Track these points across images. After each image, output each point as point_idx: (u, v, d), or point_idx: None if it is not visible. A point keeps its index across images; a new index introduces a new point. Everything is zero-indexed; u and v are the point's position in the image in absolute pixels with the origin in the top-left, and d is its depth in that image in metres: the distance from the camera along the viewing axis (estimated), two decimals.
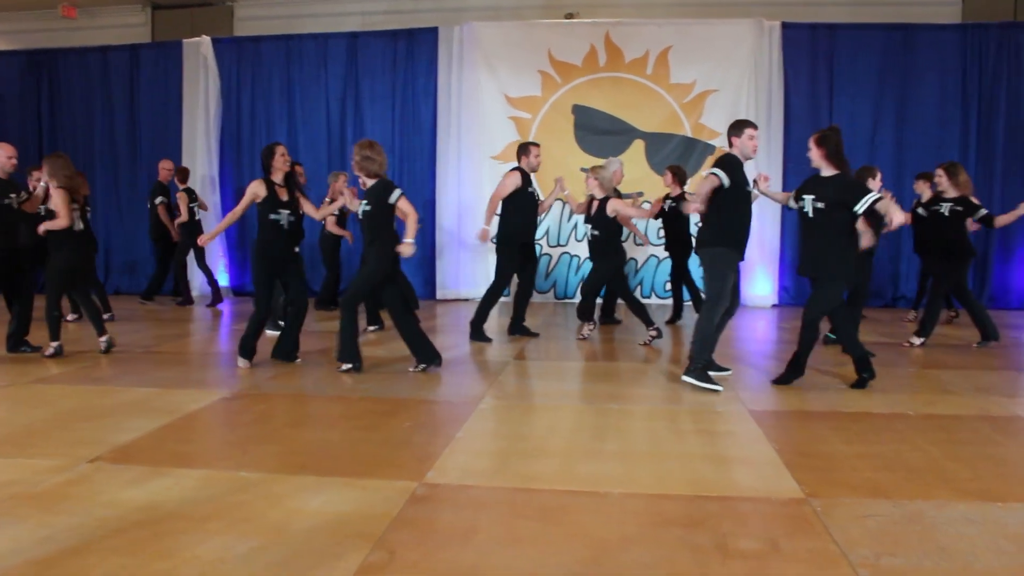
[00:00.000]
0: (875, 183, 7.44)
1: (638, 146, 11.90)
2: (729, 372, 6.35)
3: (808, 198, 5.83)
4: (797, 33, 11.90)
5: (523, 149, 8.15)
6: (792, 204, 6.07)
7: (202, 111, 12.89)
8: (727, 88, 11.90)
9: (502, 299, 9.01)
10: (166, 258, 11.54)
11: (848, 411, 5.27)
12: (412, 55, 12.49)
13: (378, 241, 6.36)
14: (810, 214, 5.83)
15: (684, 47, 11.92)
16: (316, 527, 3.18)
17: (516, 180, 7.92)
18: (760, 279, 11.94)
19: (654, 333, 7.90)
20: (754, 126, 6.08)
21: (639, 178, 11.32)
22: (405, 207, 6.34)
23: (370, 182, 6.38)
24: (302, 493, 3.58)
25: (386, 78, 12.60)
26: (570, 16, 12.41)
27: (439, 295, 12.39)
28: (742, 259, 6.04)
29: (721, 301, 5.93)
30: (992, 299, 11.81)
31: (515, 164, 8.24)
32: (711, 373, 5.99)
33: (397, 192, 6.30)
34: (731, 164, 5.93)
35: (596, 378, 6.52)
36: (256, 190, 6.49)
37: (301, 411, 5.29)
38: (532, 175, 8.16)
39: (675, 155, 11.83)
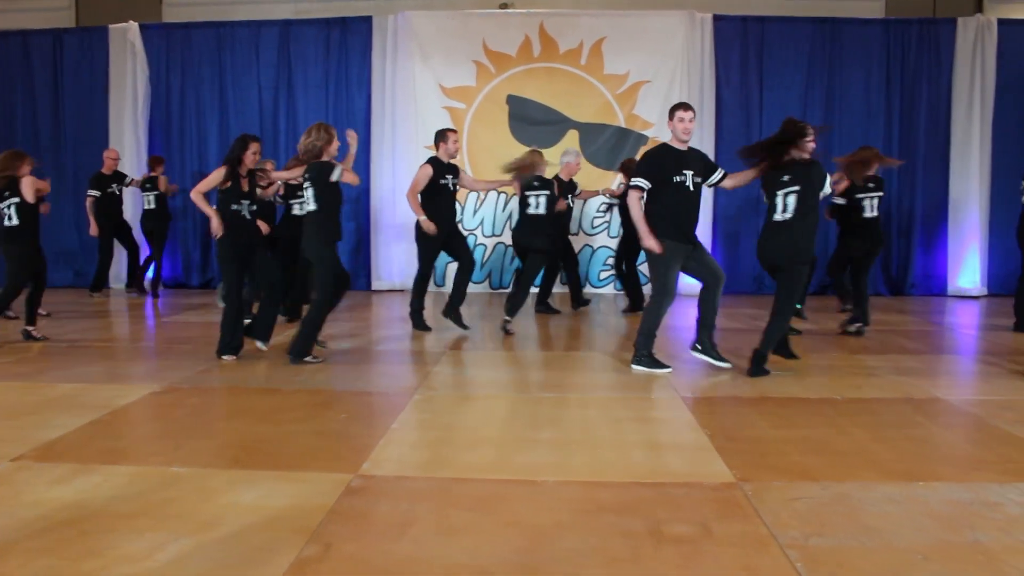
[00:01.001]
0: None
1: (572, 136, 11.96)
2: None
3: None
4: (728, 25, 12.11)
5: (440, 135, 8.04)
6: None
7: (130, 98, 12.53)
8: (660, 79, 12.03)
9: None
10: (110, 247, 11.36)
11: (777, 396, 5.39)
12: (346, 44, 12.35)
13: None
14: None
15: (618, 38, 12.01)
16: (250, 522, 3.14)
17: (428, 172, 7.83)
18: None
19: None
20: (685, 107, 6.13)
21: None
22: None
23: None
24: (235, 487, 3.54)
25: (319, 67, 12.43)
26: (504, 6, 12.40)
27: (374, 286, 12.31)
28: (685, 242, 6.10)
29: (667, 294, 6.05)
30: (914, 285, 12.20)
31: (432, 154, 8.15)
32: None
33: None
34: (649, 160, 6.14)
35: (531, 367, 6.56)
36: (219, 176, 6.43)
37: (234, 404, 5.22)
38: (453, 161, 8.08)
39: (609, 145, 11.94)
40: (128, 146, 12.35)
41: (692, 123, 6.10)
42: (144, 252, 11.64)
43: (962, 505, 3.37)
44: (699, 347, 6.22)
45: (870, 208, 7.86)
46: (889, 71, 12.18)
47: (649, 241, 6.01)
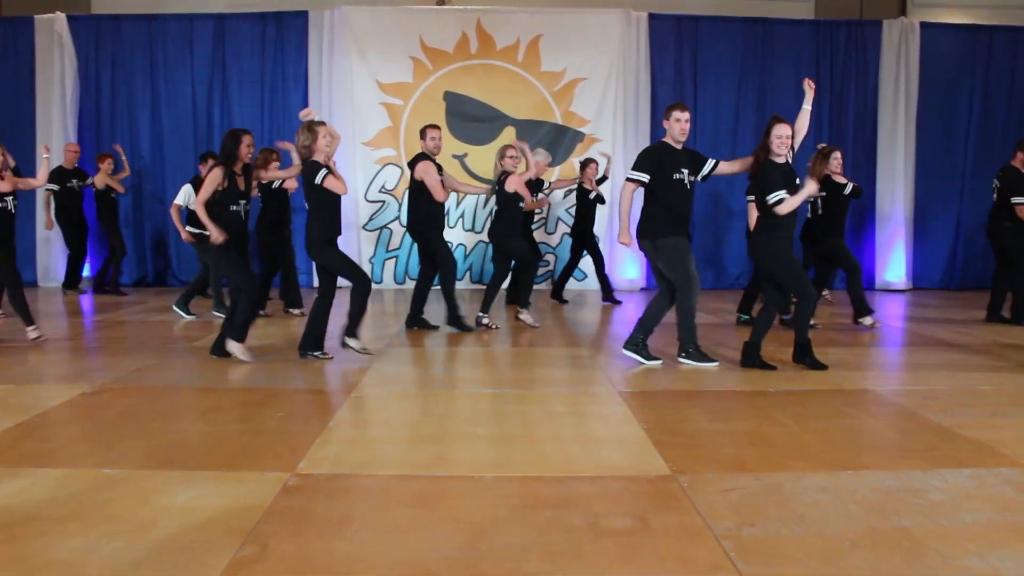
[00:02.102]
0: None
1: (509, 133, 11.99)
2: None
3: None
4: (663, 24, 12.30)
5: (421, 133, 8.04)
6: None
7: (57, 91, 12.19)
8: (596, 76, 12.15)
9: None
10: (83, 243, 11.17)
11: (713, 390, 5.50)
12: (282, 39, 12.20)
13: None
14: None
15: (554, 36, 12.10)
16: (185, 523, 3.10)
17: (431, 168, 7.85)
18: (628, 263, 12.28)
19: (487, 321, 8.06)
20: (681, 107, 6.23)
21: None
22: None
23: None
24: (170, 489, 3.48)
25: (255, 62, 12.26)
26: (442, 3, 12.39)
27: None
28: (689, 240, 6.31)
29: (693, 283, 6.12)
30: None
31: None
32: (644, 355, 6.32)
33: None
34: (647, 156, 6.24)
35: (470, 364, 6.57)
36: (217, 178, 6.21)
37: (169, 404, 5.13)
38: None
39: (546, 142, 12.01)
40: (56, 141, 11.98)
41: (688, 124, 6.20)
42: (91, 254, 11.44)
43: (888, 492, 3.48)
44: (632, 348, 6.34)
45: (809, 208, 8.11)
46: (818, 71, 12.50)
47: (624, 237, 6.22)
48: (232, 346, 6.27)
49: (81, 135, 12.32)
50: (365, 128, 12.07)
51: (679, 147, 6.23)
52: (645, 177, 6.13)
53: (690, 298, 6.14)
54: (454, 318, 7.90)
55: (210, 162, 8.14)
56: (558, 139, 12.14)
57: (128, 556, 2.81)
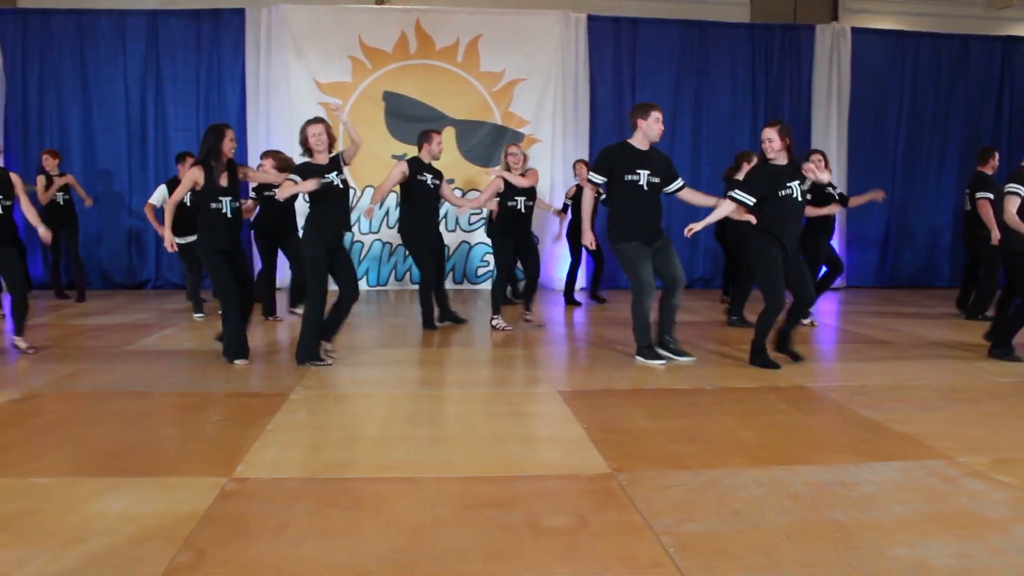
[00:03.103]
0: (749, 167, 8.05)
1: (449, 133, 11.97)
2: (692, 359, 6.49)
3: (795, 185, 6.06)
4: (602, 26, 12.40)
5: (424, 136, 8.02)
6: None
7: None
8: (536, 77, 12.19)
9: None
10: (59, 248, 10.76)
11: (651, 388, 5.55)
12: (218, 36, 11.98)
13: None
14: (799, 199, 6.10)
15: (494, 36, 12.10)
16: (119, 531, 3.03)
17: (403, 169, 7.85)
18: None
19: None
20: (659, 108, 6.22)
21: (449, 164, 11.34)
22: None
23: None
24: (103, 496, 3.40)
25: (190, 60, 12.00)
26: (381, 2, 12.30)
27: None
28: (648, 243, 6.21)
29: (645, 290, 6.14)
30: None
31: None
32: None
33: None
34: (601, 156, 6.26)
35: (410, 365, 6.54)
36: (195, 177, 6.05)
37: (101, 409, 4.99)
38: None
39: (485, 143, 12.03)
40: None
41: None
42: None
43: (822, 486, 3.56)
44: (660, 347, 6.41)
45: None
46: (754, 74, 12.80)
47: (586, 238, 6.33)
48: (237, 363, 6.24)
49: (7, 135, 11.93)
50: None
51: (645, 147, 6.22)
52: (599, 179, 6.16)
53: (641, 303, 6.19)
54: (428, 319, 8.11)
55: (188, 161, 7.98)
56: (497, 139, 12.14)
57: (58, 568, 2.74)
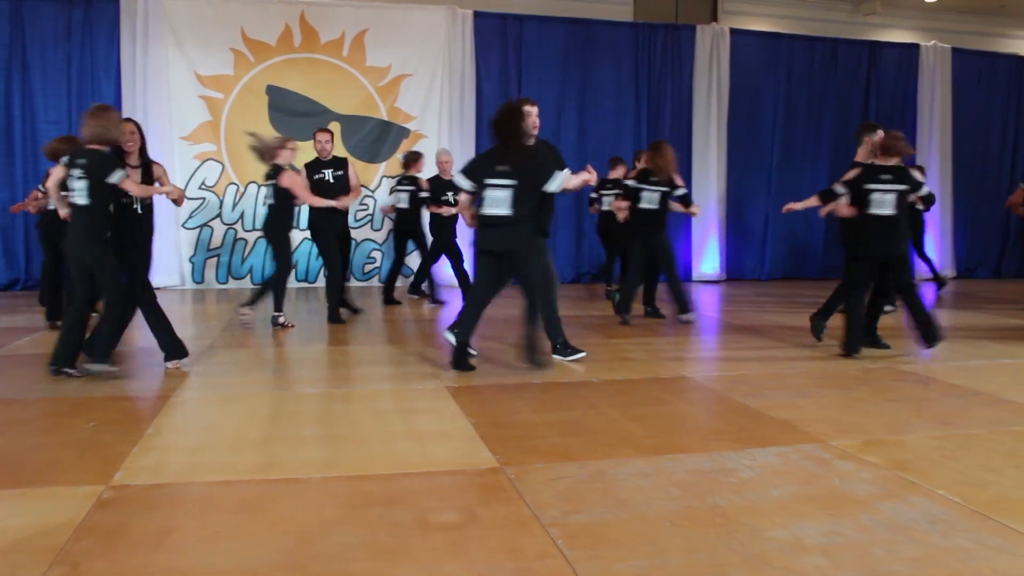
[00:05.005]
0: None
1: (334, 128, 11.76)
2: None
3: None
4: (488, 22, 12.43)
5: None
6: None
7: None
8: (422, 72, 12.14)
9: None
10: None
11: (538, 382, 5.61)
12: (90, 25, 11.36)
13: None
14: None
15: (380, 31, 11.98)
16: None
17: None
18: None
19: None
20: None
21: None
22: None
23: None
24: None
25: (60, 49, 11.33)
26: None
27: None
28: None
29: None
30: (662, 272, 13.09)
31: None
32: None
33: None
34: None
35: (295, 365, 6.42)
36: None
37: None
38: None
39: (371, 138, 11.92)
40: None
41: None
42: None
43: (703, 473, 3.67)
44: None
45: (648, 200, 8.34)
46: (637, 72, 13.09)
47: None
48: (94, 367, 5.63)
49: None
50: (184, 122, 11.53)
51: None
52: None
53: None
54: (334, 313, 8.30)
55: None
56: (383, 135, 12.05)
57: None
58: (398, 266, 10.17)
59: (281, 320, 7.86)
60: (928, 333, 6.38)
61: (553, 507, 3.25)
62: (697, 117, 13.29)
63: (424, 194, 9.67)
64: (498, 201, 5.75)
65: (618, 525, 3.08)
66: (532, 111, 6.05)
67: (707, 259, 13.38)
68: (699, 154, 13.27)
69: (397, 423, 4.62)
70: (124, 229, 5.76)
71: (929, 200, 7.11)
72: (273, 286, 7.84)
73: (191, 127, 11.58)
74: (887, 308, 7.72)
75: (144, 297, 5.87)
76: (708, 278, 13.25)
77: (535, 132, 6.12)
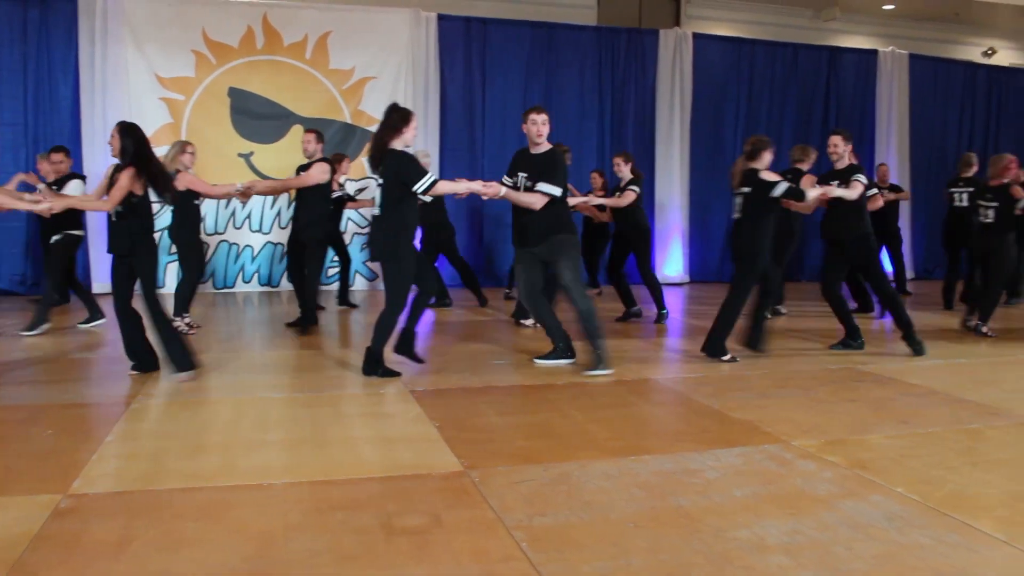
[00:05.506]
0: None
1: (296, 131, 11.69)
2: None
3: None
4: (452, 25, 12.44)
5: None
6: None
7: None
8: (386, 75, 12.11)
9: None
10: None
11: (503, 385, 5.61)
12: (47, 25, 11.18)
13: None
14: None
15: (343, 33, 11.93)
16: None
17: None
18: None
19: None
20: (538, 110, 6.29)
21: (296, 164, 11.09)
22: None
23: None
24: None
25: (16, 49, 11.11)
26: None
27: (96, 288, 11.37)
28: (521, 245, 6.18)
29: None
30: (626, 275, 13.09)
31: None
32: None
33: None
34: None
35: (259, 369, 6.36)
36: None
37: None
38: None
39: (335, 141, 11.82)
40: None
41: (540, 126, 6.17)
42: None
43: (667, 474, 3.69)
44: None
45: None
46: (601, 75, 13.17)
47: None
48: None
49: None
50: (144, 125, 10.95)
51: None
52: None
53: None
54: None
55: None
56: (347, 138, 11.99)
57: None
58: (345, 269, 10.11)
59: (185, 322, 7.72)
60: (752, 339, 6.78)
61: (517, 510, 3.25)
62: (660, 120, 13.40)
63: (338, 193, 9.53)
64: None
65: (582, 527, 3.09)
66: (538, 119, 6.18)
67: (671, 262, 13.47)
68: (662, 157, 13.39)
69: (361, 427, 4.60)
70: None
71: (790, 195, 6.78)
72: (182, 289, 7.78)
73: (152, 130, 11.36)
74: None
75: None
76: (672, 280, 13.33)
77: (540, 140, 6.20)
